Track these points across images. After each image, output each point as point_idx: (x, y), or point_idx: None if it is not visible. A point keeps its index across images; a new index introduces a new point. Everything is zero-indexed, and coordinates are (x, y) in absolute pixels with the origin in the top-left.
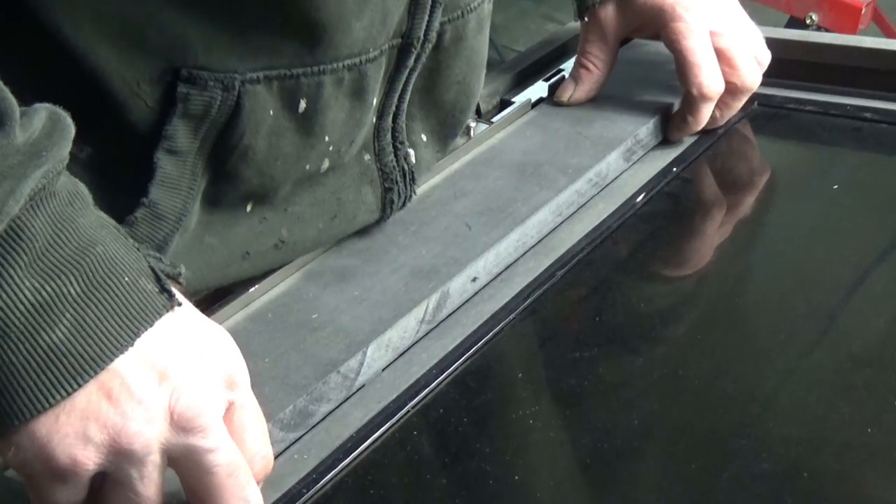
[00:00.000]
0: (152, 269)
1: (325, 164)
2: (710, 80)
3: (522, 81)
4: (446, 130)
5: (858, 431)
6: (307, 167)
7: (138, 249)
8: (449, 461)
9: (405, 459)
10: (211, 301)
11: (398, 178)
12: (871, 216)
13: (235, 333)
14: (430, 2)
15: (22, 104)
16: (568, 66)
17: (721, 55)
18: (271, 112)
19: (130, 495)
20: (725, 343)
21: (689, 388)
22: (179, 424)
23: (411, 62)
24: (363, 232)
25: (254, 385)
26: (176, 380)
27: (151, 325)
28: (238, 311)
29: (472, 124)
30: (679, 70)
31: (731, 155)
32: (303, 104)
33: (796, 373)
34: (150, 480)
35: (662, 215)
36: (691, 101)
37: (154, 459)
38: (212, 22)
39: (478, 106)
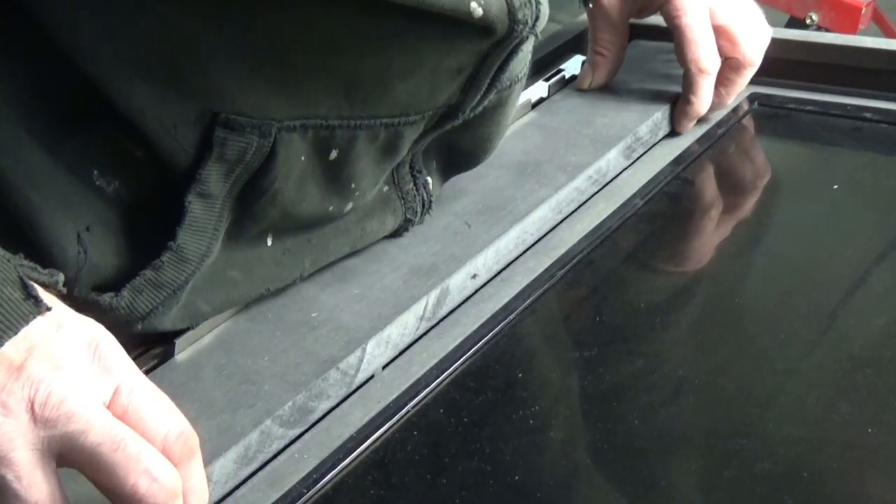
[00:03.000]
0: (20, 278)
1: (349, 206)
2: (706, 55)
3: None
4: (456, 169)
5: (858, 431)
6: (330, 209)
7: (8, 260)
8: (449, 461)
9: (405, 459)
10: None
11: (418, 207)
12: (871, 216)
13: (235, 333)
14: (486, 84)
15: (55, 135)
16: (568, 65)
17: (721, 31)
18: (303, 158)
19: (11, 499)
20: (725, 343)
21: (689, 388)
22: (44, 416)
23: (449, 127)
24: None
25: (253, 382)
26: (35, 373)
27: (16, 333)
28: (238, 311)
29: None
30: (677, 47)
31: (731, 155)
32: (334, 153)
33: (796, 373)
34: (29, 482)
35: (662, 215)
36: (690, 78)
37: (22, 457)
38: (253, 69)
39: None
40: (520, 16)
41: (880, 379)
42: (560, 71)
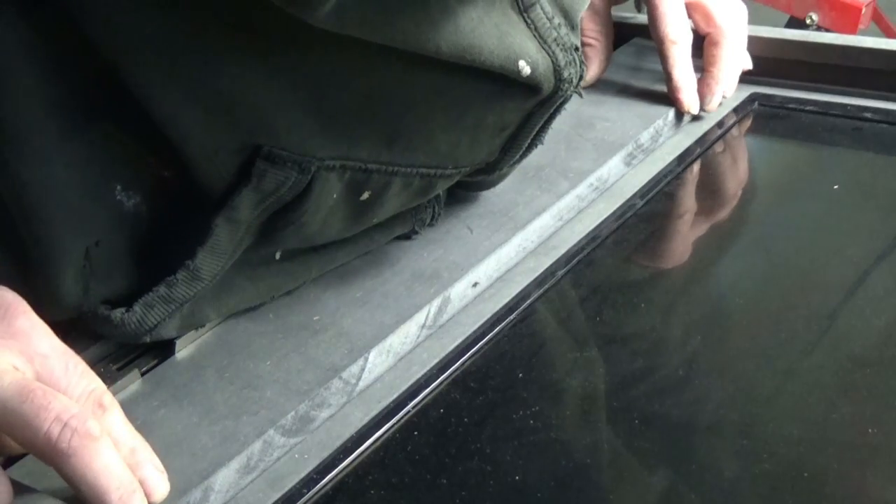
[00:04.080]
0: None
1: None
2: (673, 26)
3: None
4: (465, 187)
5: (858, 431)
6: (347, 235)
7: None
8: (449, 461)
9: (405, 459)
10: None
11: (427, 218)
12: (871, 216)
13: (236, 333)
14: (527, 143)
15: (84, 152)
16: None
17: (694, 7)
18: (335, 196)
19: None
20: (725, 343)
21: (689, 388)
22: None
23: (480, 178)
24: None
25: (255, 388)
26: None
27: None
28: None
29: None
30: (650, 25)
31: (731, 155)
32: (366, 195)
33: (796, 373)
34: None
35: (662, 215)
36: (663, 52)
37: None
38: (300, 105)
39: None
40: (565, 74)
41: (880, 379)
42: None
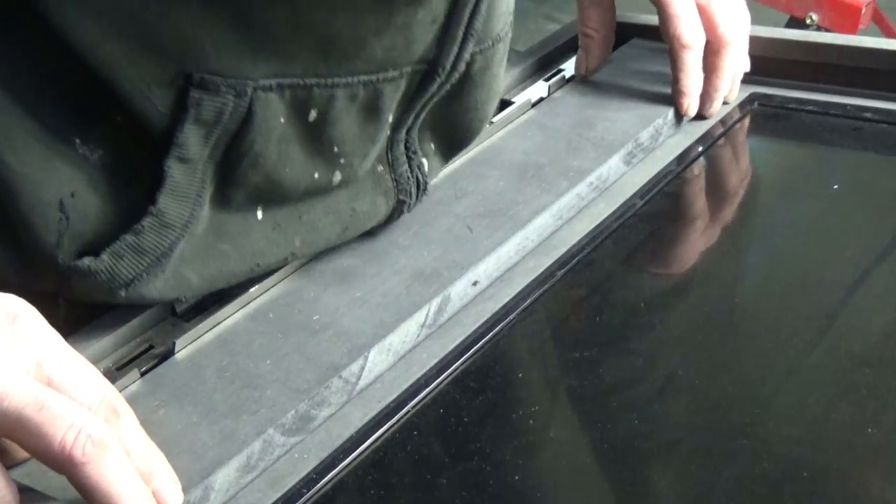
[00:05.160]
0: None
1: (337, 176)
2: (687, 29)
3: (522, 81)
4: (455, 145)
5: (858, 431)
6: (316, 175)
7: None
8: (449, 461)
9: (405, 459)
10: (210, 301)
11: (412, 190)
12: (871, 216)
13: (236, 333)
14: (461, 34)
15: (31, 100)
16: (568, 65)
17: (701, 11)
18: (282, 120)
19: None
20: (725, 343)
21: (689, 388)
22: None
23: (434, 88)
24: (364, 232)
25: (255, 388)
26: None
27: None
28: (238, 310)
29: None
30: (660, 24)
31: (731, 155)
32: (313, 114)
33: (796, 373)
34: None
35: (662, 215)
36: (673, 54)
37: None
38: (224, 25)
39: None
40: None
41: (880, 379)
42: (560, 71)
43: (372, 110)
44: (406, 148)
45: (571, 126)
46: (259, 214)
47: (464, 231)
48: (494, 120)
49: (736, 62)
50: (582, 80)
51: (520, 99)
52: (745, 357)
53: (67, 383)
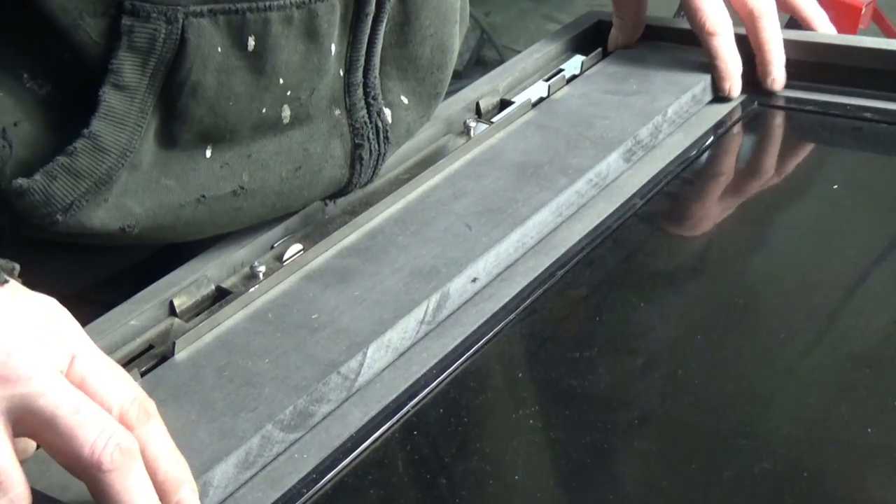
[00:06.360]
0: None
1: (286, 111)
2: (712, 17)
3: (522, 81)
4: (427, 90)
5: (858, 431)
6: (263, 110)
7: None
8: (449, 461)
9: (405, 459)
10: (211, 301)
11: (370, 135)
12: (871, 216)
13: (235, 333)
14: None
15: None
16: (568, 65)
17: None
18: (219, 49)
19: None
20: (725, 343)
21: (689, 388)
22: (4, 375)
23: (371, 9)
24: (363, 231)
25: (253, 385)
26: None
27: None
28: (238, 310)
29: (472, 124)
30: (687, 18)
31: (731, 155)
32: (251, 42)
33: (796, 373)
34: None
35: (662, 215)
36: (704, 44)
37: None
38: None
39: (478, 105)
40: None
41: (880, 379)
42: (560, 71)
43: (311, 35)
44: (365, 94)
45: (571, 125)
46: (208, 153)
47: (463, 229)
48: (494, 120)
49: (776, 28)
50: (584, 79)
51: (520, 99)
52: (745, 357)
53: (100, 382)
